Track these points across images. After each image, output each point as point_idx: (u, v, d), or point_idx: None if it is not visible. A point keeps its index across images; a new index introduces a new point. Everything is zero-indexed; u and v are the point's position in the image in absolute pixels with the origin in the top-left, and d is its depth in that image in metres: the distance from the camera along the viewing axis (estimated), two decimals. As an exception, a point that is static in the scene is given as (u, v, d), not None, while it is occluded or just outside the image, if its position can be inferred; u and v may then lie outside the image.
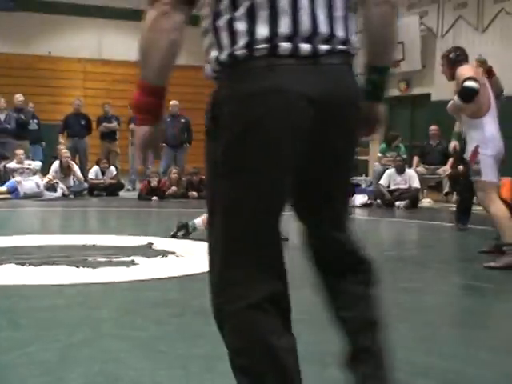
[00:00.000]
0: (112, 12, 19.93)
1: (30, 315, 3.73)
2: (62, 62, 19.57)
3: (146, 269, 5.27)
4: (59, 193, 12.84)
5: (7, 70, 18.50)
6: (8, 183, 12.79)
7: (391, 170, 12.12)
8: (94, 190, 13.26)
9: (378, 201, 11.89)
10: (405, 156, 12.96)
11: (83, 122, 14.67)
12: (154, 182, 12.77)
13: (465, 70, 5.66)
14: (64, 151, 13.48)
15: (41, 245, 6.36)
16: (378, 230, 9.40)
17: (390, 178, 12.04)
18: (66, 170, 13.06)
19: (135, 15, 19.90)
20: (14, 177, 12.96)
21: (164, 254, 5.95)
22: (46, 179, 12.95)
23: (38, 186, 12.81)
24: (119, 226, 8.52)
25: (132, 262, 5.48)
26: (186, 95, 18.45)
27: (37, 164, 13.33)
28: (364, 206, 11.72)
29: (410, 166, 12.71)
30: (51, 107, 16.91)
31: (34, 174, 13.02)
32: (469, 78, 5.52)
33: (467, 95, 5.55)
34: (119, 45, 19.95)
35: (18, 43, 19.00)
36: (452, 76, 5.81)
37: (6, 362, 2.90)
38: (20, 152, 13.21)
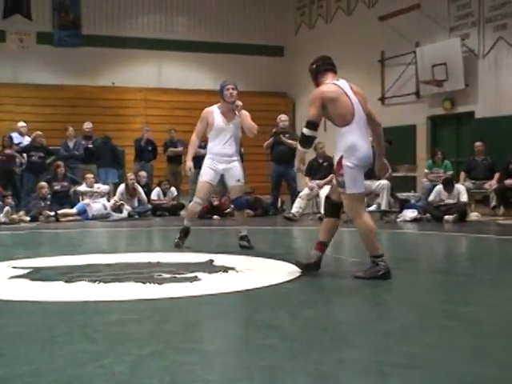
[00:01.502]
0: (170, 44, 20.18)
1: (102, 329, 3.74)
2: (125, 91, 19.85)
3: (208, 284, 5.26)
4: (125, 214, 12.98)
5: (76, 101, 18.84)
6: (78, 205, 12.98)
7: (440, 186, 11.99)
8: (157, 210, 13.37)
9: (427, 215, 11.76)
10: (451, 172, 12.82)
11: (150, 148, 14.88)
12: (216, 202, 12.85)
13: (314, 101, 5.40)
14: (129, 174, 13.65)
15: (110, 263, 6.41)
16: (428, 244, 9.26)
17: (438, 194, 11.92)
18: (131, 192, 13.19)
19: (191, 46, 20.16)
20: (83, 199, 13.14)
21: (224, 269, 5.93)
22: (112, 201, 13.11)
23: (105, 207, 12.97)
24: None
25: (195, 278, 5.48)
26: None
27: (105, 187, 13.51)
28: (414, 220, 11.60)
29: (457, 182, 12.56)
30: (116, 134, 17.11)
31: (102, 196, 13.18)
32: (309, 125, 5.37)
33: (305, 143, 5.48)
34: (177, 74, 20.17)
35: (85, 76, 19.34)
36: (318, 86, 5.54)
37: (83, 374, 2.91)
38: (90, 176, 13.42)
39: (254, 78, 20.75)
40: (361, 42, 18.20)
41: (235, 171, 7.54)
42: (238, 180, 7.55)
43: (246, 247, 7.55)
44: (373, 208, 13.39)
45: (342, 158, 5.40)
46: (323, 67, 5.59)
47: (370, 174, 11.84)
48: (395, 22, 17.15)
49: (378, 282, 5.51)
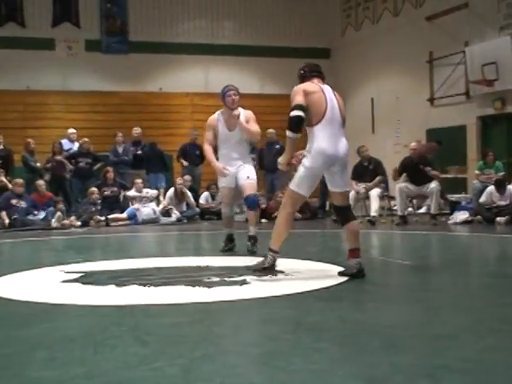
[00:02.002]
0: (216, 49, 20.27)
1: (154, 332, 3.78)
2: (173, 96, 19.99)
3: (257, 287, 5.27)
4: (174, 218, 13.09)
5: (124, 107, 19.05)
6: (128, 210, 13.14)
7: (491, 188, 11.82)
8: (205, 214, 13.44)
9: (479, 217, 11.60)
10: (503, 173, 12.63)
11: (198, 152, 14.96)
12: (263, 205, 12.87)
13: (297, 93, 5.50)
14: (178, 179, 13.77)
15: (160, 266, 6.47)
16: (479, 246, 9.14)
17: (490, 196, 11.75)
18: (179, 197, 13.30)
19: (237, 51, 20.23)
20: (133, 204, 13.29)
21: (273, 273, 5.94)
22: (161, 206, 13.23)
23: (154, 212, 13.10)
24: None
25: (244, 282, 5.50)
26: (283, 122, 18.53)
27: (153, 192, 13.64)
28: (465, 222, 11.46)
29: (509, 183, 12.36)
30: (164, 139, 17.27)
31: (151, 201, 13.31)
32: (294, 107, 5.42)
33: (292, 124, 5.43)
34: (223, 78, 20.20)
35: (133, 82, 19.54)
36: None
37: (135, 376, 2.94)
38: (139, 181, 13.56)
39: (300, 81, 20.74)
40: (408, 42, 18.05)
41: (245, 170, 7.54)
42: (248, 177, 7.50)
43: (248, 250, 7.42)
44: (422, 210, 13.28)
45: (304, 156, 5.52)
46: (309, 73, 5.73)
47: (419, 179, 11.81)
48: (443, 21, 16.96)
49: (428, 286, 5.47)
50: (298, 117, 5.41)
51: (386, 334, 3.63)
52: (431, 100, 17.56)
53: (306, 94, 5.49)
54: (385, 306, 4.57)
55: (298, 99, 5.47)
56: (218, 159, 7.60)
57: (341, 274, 5.66)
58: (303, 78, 5.72)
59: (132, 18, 19.91)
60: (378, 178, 12.16)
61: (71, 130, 15.30)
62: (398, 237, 10.37)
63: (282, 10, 21.13)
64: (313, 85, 5.59)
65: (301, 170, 5.52)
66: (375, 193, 12.08)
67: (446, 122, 16.52)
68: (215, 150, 7.70)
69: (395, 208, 12.32)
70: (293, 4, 21.18)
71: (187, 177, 14.15)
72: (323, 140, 5.43)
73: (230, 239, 7.75)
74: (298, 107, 5.43)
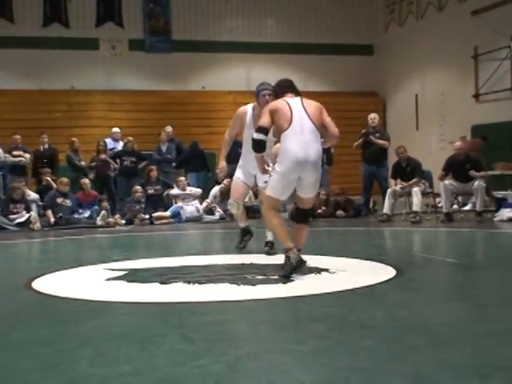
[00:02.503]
0: (259, 47, 20.29)
1: (199, 330, 3.80)
2: (215, 95, 20.07)
3: (301, 285, 5.26)
4: (217, 216, 13.14)
5: (167, 106, 19.19)
6: (171, 208, 13.22)
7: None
8: (248, 212, 13.44)
9: (526, 214, 11.43)
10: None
11: (240, 150, 14.93)
12: (299, 203, 12.85)
13: (263, 113, 5.86)
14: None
15: (204, 264, 6.50)
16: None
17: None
18: (224, 195, 13.34)
19: (280, 48, 20.22)
20: (176, 202, 13.36)
21: (318, 271, 5.92)
22: (205, 204, 13.28)
23: (198, 210, 13.16)
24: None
25: (288, 279, 5.50)
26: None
27: (197, 190, 13.69)
28: (511, 220, 11.29)
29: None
30: (207, 137, 17.35)
31: (195, 199, 13.37)
32: (257, 129, 5.78)
33: (254, 147, 5.82)
34: (266, 76, 20.13)
35: (176, 81, 19.68)
36: None
37: (181, 373, 2.96)
38: (182, 179, 13.64)
39: (343, 78, 20.67)
40: (453, 37, 17.85)
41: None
42: (265, 182, 7.39)
43: (268, 253, 7.23)
44: (468, 207, 13.12)
45: (276, 161, 5.78)
46: (281, 91, 6.04)
47: (463, 176, 11.67)
48: (489, 16, 16.73)
49: (474, 284, 5.40)
50: (259, 141, 5.78)
51: (432, 332, 3.60)
52: (476, 96, 17.35)
53: (272, 112, 5.80)
54: (431, 303, 4.53)
55: (263, 120, 5.82)
56: (231, 156, 7.61)
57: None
58: (276, 96, 6.05)
59: (175, 17, 20.04)
60: (413, 180, 12.04)
61: (115, 129, 15.44)
62: (443, 234, 10.26)
63: (325, 7, 21.07)
64: (279, 101, 5.89)
65: (273, 174, 5.79)
66: (417, 189, 11.96)
67: (491, 118, 16.30)
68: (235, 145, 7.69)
69: (440, 205, 12.19)
70: (335, 0, 21.10)
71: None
72: (292, 146, 5.65)
73: (245, 233, 7.71)
74: (260, 130, 5.77)
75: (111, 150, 14.82)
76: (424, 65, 19.10)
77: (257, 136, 5.77)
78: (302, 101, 5.90)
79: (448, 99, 18.22)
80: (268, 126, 5.79)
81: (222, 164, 7.52)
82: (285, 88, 6.03)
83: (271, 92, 7.10)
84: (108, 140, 15.07)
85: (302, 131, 5.70)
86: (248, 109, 7.45)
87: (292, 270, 5.51)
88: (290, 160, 5.63)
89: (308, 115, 5.79)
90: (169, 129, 15.31)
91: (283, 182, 5.74)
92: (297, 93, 6.03)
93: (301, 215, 5.97)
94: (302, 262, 5.62)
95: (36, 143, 14.77)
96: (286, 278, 5.44)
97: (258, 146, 5.82)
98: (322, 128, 5.90)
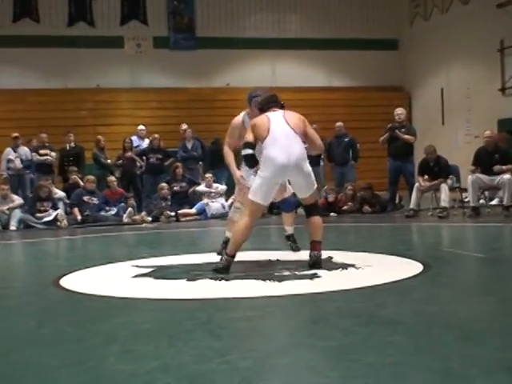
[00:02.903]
0: (283, 43, 20.25)
1: (226, 326, 3.80)
2: (240, 91, 20.01)
3: (328, 281, 5.25)
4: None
5: (192, 103, 19.23)
6: (197, 205, 13.25)
7: None
8: (273, 208, 13.42)
9: None
10: None
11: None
12: (331, 198, 12.81)
13: (248, 130, 6.05)
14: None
15: (230, 261, 6.49)
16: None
17: None
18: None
19: (304, 44, 20.18)
20: (202, 199, 13.39)
21: (344, 266, 5.90)
22: (230, 200, 13.29)
23: (223, 206, 13.17)
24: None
25: (315, 275, 5.48)
26: (352, 115, 18.41)
27: (222, 187, 13.70)
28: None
29: None
30: (232, 134, 17.33)
31: (220, 196, 13.39)
32: (244, 145, 5.95)
33: (247, 162, 6.05)
34: (290, 72, 20.22)
35: (200, 78, 19.70)
36: None
37: (208, 369, 2.96)
38: (209, 176, 13.66)
39: (368, 73, 20.57)
40: (478, 31, 17.70)
41: None
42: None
43: (292, 249, 7.17)
44: (495, 202, 13.00)
45: (259, 168, 5.90)
46: (266, 106, 6.17)
47: (491, 169, 11.55)
48: (515, 8, 16.58)
49: (502, 278, 5.35)
50: (249, 156, 5.93)
51: (461, 327, 3.57)
52: (503, 89, 17.19)
53: (253, 127, 5.97)
54: (459, 298, 4.49)
55: (246, 137, 5.99)
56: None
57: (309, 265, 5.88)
58: (262, 110, 6.16)
59: (199, 14, 20.07)
60: (439, 180, 11.94)
61: (141, 127, 15.50)
62: (471, 229, 10.18)
63: (349, 2, 20.99)
64: (260, 117, 6.05)
65: (256, 179, 5.93)
66: (444, 184, 11.88)
67: (518, 111, 16.16)
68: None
69: (467, 200, 12.10)
70: (359, -5, 21.02)
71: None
72: (273, 152, 5.77)
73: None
74: (246, 145, 5.94)
75: (137, 147, 14.88)
76: (449, 59, 18.96)
77: (244, 152, 5.95)
78: (283, 112, 6.08)
79: (474, 93, 18.07)
80: (252, 140, 5.95)
81: (238, 174, 7.15)
82: (269, 103, 6.17)
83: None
84: (134, 138, 15.14)
85: (281, 137, 5.84)
86: (242, 117, 7.28)
87: (222, 269, 5.70)
88: (273, 165, 5.76)
89: (287, 122, 5.95)
90: (184, 126, 15.31)
91: (266, 186, 5.85)
92: (281, 107, 6.21)
93: (306, 210, 6.15)
94: (319, 262, 5.86)
95: (62, 142, 14.88)
96: (214, 273, 5.65)
97: (250, 161, 5.98)
98: (304, 138, 6.04)
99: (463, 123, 18.45)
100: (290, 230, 7.36)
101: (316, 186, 6.11)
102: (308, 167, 5.93)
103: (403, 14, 21.11)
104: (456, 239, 9.22)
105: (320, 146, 6.32)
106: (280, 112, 6.07)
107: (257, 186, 5.87)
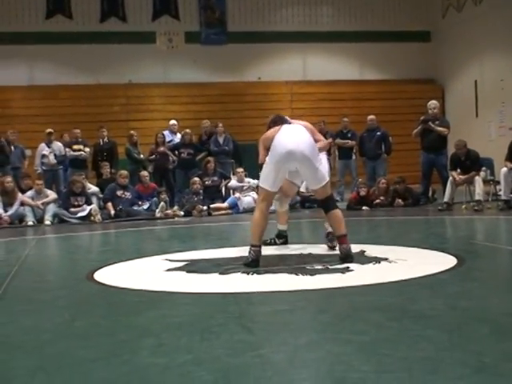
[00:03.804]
0: (314, 36, 20.17)
1: (258, 320, 3.81)
2: (271, 85, 20.04)
3: (361, 275, 5.23)
4: (274, 207, 13.12)
5: (224, 97, 19.25)
6: (229, 200, 13.28)
7: None
8: (306, 202, 13.41)
9: None
10: None
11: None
12: (363, 192, 12.76)
13: (260, 150, 6.29)
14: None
15: (262, 255, 6.49)
16: None
17: None
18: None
19: (335, 37, 20.07)
20: (234, 194, 13.42)
21: (377, 260, 5.87)
22: (262, 194, 13.30)
23: (255, 201, 13.17)
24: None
25: (347, 269, 5.47)
26: (384, 108, 18.30)
27: (255, 182, 13.70)
28: None
29: None
30: (264, 128, 17.31)
31: (252, 190, 13.40)
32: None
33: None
34: (322, 65, 20.14)
35: (232, 72, 19.70)
36: None
37: (241, 363, 2.97)
38: (240, 170, 13.68)
39: (400, 66, 20.42)
40: (512, 21, 17.47)
41: None
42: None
43: (329, 247, 6.89)
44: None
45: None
46: (273, 125, 6.38)
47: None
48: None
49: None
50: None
51: (495, 322, 3.54)
52: (538, 81, 16.96)
53: (264, 139, 6.26)
54: (493, 292, 4.45)
55: (261, 158, 6.26)
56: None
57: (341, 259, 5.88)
58: (269, 128, 6.40)
59: (230, 8, 20.07)
60: (472, 173, 11.81)
61: (172, 122, 15.55)
62: (504, 222, 10.08)
63: (381, -6, 20.83)
64: (270, 131, 6.29)
65: (265, 167, 6.08)
66: (478, 177, 11.76)
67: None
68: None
69: (500, 193, 11.97)
70: (391, -13, 20.85)
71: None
72: (281, 139, 5.99)
73: (280, 235, 7.59)
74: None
75: (169, 142, 14.95)
76: (483, 50, 18.74)
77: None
78: (292, 121, 6.51)
79: (508, 85, 17.84)
80: (263, 159, 6.21)
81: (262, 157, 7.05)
82: (276, 122, 6.39)
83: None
84: (166, 132, 15.19)
85: (290, 131, 6.10)
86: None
87: (252, 262, 5.73)
88: (280, 150, 5.92)
89: (295, 125, 6.29)
90: (206, 124, 15.32)
91: (274, 172, 5.98)
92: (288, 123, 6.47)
93: (322, 205, 6.24)
94: (350, 254, 5.88)
95: (95, 137, 15.00)
96: (246, 267, 5.66)
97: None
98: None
99: (497, 115, 18.23)
100: (329, 227, 7.11)
101: (328, 180, 6.16)
102: (318, 163, 6.01)
103: (436, 5, 20.89)
104: (490, 233, 9.13)
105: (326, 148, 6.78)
106: (286, 126, 6.29)
107: (266, 173, 6.06)
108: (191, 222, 11.80)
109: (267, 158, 6.05)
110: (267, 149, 6.12)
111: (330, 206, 6.12)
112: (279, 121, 6.43)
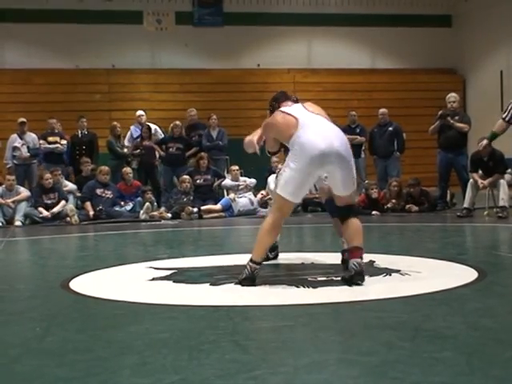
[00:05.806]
0: (321, 18, 20.19)
1: (254, 337, 3.81)
2: (272, 73, 20.07)
3: (369, 288, 5.23)
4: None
5: (218, 86, 19.27)
6: (222, 201, 13.27)
7: None
8: (309, 205, 13.41)
9: None
10: None
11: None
12: (375, 194, 12.75)
13: (266, 139, 5.97)
14: (279, 165, 13.80)
15: (259, 264, 6.49)
16: None
17: None
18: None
19: (345, 20, 20.09)
20: (228, 194, 13.42)
21: (388, 272, 5.87)
22: (259, 195, 13.29)
23: (251, 202, 13.18)
24: (334, 243, 8.53)
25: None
26: (397, 101, 18.33)
27: (251, 181, 13.69)
28: None
29: None
30: (262, 120, 17.33)
31: (249, 190, 13.40)
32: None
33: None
34: (329, 52, 20.17)
35: (228, 58, 19.73)
36: None
37: (234, 386, 2.97)
38: (235, 168, 13.66)
39: (417, 53, 20.45)
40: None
41: None
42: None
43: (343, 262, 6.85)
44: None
45: (288, 157, 5.49)
46: (277, 104, 5.91)
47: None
48: None
49: None
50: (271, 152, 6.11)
51: (519, 344, 3.55)
52: None
53: (268, 130, 5.83)
54: (518, 311, 4.46)
55: (268, 146, 6.02)
56: None
57: (342, 279, 5.47)
58: (272, 108, 5.95)
59: (226, -14, 20.09)
60: (495, 176, 11.82)
61: (140, 112, 15.27)
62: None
63: (396, -27, 20.86)
64: (273, 116, 5.77)
65: (285, 171, 5.46)
66: (503, 180, 11.78)
67: None
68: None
69: (525, 198, 12.00)
70: (408, -35, 20.88)
71: (274, 158, 14.15)
72: (310, 138, 5.37)
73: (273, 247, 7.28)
74: (270, 154, 6.19)
75: (136, 138, 14.76)
76: (510, 37, 18.77)
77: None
78: (302, 105, 5.77)
79: (538, 76, 17.89)
80: (276, 149, 6.02)
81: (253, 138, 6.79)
82: (278, 101, 5.93)
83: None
84: (132, 128, 15.03)
85: (315, 124, 5.51)
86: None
87: (245, 280, 5.38)
88: (310, 153, 5.30)
89: (312, 112, 5.64)
90: (192, 112, 15.28)
91: (298, 179, 5.37)
92: (295, 101, 5.96)
93: (341, 211, 5.66)
94: (361, 273, 5.36)
95: (73, 128, 14.99)
96: (239, 285, 5.37)
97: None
98: None
99: (525, 110, 18.26)
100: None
101: (356, 184, 5.69)
102: (353, 161, 5.54)
103: (457, -14, 20.95)
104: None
105: None
106: (298, 105, 5.79)
107: (286, 179, 5.39)
108: (179, 226, 11.80)
109: (289, 161, 5.41)
110: (272, 140, 5.77)
111: (350, 213, 5.58)
112: (283, 98, 5.93)
